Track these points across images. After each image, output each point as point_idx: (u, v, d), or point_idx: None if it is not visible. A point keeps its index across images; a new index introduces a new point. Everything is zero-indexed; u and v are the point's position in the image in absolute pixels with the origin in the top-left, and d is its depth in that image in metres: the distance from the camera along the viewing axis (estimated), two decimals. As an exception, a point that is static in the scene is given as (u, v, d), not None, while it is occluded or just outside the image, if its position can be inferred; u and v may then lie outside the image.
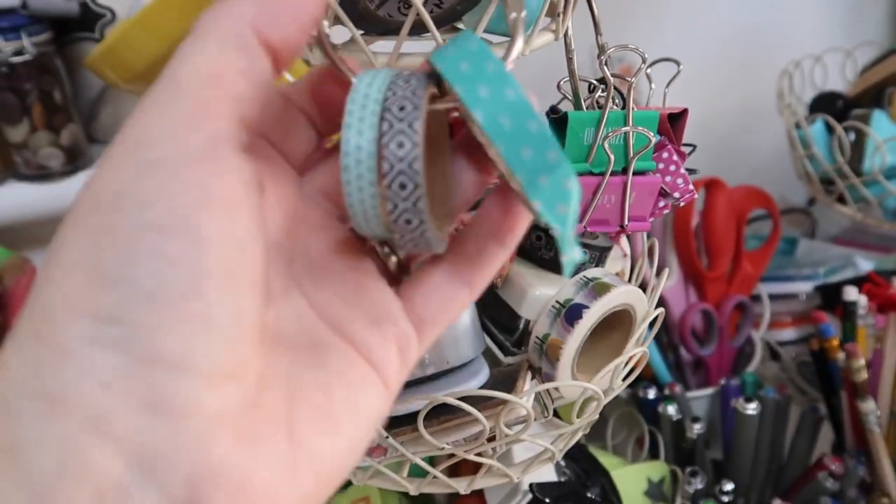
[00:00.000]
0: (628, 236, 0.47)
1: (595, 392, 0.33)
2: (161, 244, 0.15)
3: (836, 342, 0.52)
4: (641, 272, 0.43)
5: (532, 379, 0.36)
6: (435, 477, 0.35)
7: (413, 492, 0.36)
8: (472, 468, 0.47)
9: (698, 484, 0.50)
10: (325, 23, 0.24)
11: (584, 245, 0.39)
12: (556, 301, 0.34)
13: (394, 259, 0.21)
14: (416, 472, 0.37)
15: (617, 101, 0.38)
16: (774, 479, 0.56)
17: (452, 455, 0.35)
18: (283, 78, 0.55)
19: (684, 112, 0.39)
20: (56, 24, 0.53)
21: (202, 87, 0.16)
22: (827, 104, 0.66)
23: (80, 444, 0.14)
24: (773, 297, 0.73)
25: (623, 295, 0.35)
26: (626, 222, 0.34)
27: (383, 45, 0.31)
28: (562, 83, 0.36)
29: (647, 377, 0.62)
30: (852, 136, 0.60)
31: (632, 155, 0.32)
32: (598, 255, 0.40)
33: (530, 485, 0.42)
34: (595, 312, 0.34)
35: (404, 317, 0.20)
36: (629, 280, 0.45)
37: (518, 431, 0.33)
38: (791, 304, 0.73)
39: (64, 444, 0.14)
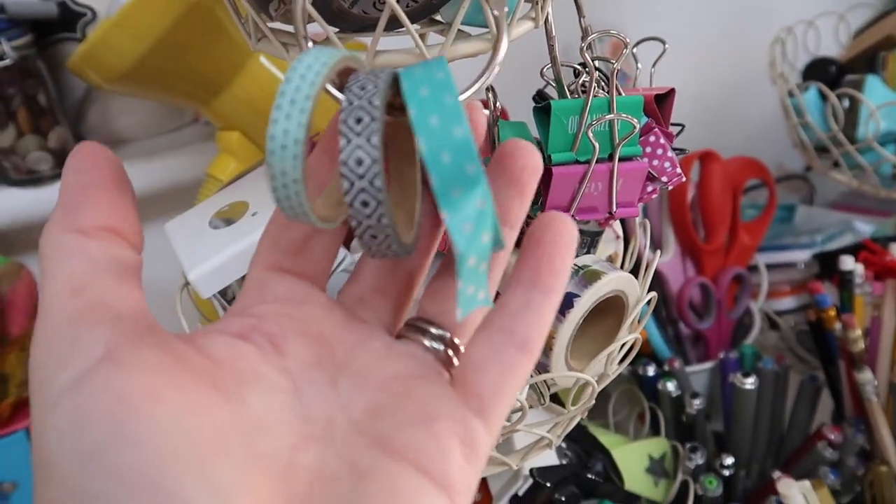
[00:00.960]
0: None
1: (588, 381, 0.33)
2: (96, 465, 0.14)
3: (832, 312, 0.52)
4: (635, 254, 0.43)
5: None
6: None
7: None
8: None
9: (699, 459, 0.50)
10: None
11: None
12: (548, 291, 0.35)
13: (440, 346, 0.20)
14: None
15: (603, 85, 0.38)
16: (776, 450, 0.57)
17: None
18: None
19: (671, 92, 0.38)
20: (36, 27, 0.53)
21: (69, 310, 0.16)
22: (820, 71, 0.65)
23: None
24: (772, 267, 0.73)
25: (614, 282, 0.35)
26: (615, 209, 0.34)
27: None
28: (545, 70, 0.36)
29: (646, 353, 0.62)
30: (846, 103, 0.59)
31: (617, 142, 0.32)
32: (589, 241, 0.40)
33: (531, 470, 0.43)
34: (586, 301, 0.34)
35: (459, 405, 0.18)
36: (623, 262, 0.45)
37: (514, 422, 0.33)
38: (790, 272, 0.73)
39: None
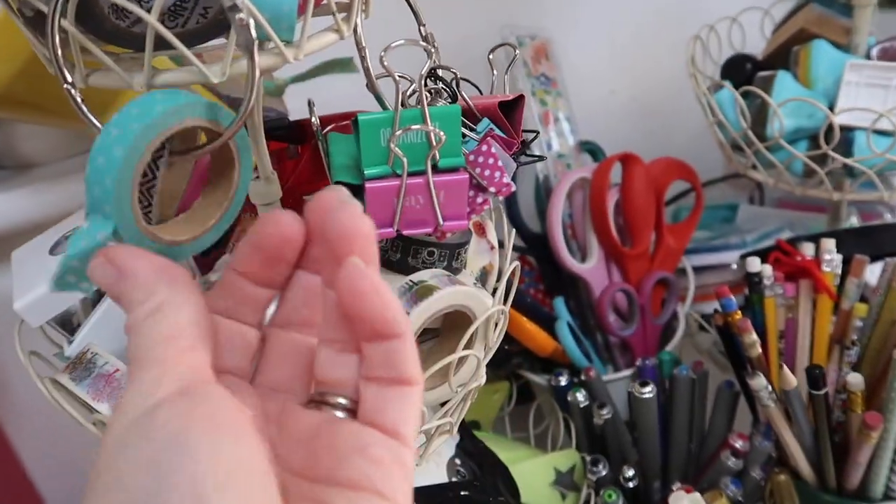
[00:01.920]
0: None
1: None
2: (158, 472, 0.18)
3: (738, 315, 0.51)
4: (507, 265, 0.42)
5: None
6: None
7: None
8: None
9: (602, 471, 0.49)
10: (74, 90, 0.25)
11: (430, 245, 0.38)
12: (381, 309, 0.33)
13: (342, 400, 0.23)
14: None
15: (446, 95, 0.37)
16: (695, 459, 0.55)
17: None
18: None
19: (519, 99, 0.37)
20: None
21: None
22: (737, 68, 0.64)
23: None
24: (704, 269, 0.71)
25: (448, 297, 0.33)
26: (442, 222, 0.33)
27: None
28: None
29: (564, 363, 0.61)
30: (759, 100, 0.58)
31: (429, 154, 0.31)
32: (448, 253, 0.39)
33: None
34: (417, 317, 0.32)
35: (378, 433, 0.21)
36: (499, 273, 0.44)
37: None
38: (723, 274, 0.71)
39: None
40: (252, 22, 0.25)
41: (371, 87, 0.32)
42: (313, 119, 0.33)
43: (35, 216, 0.60)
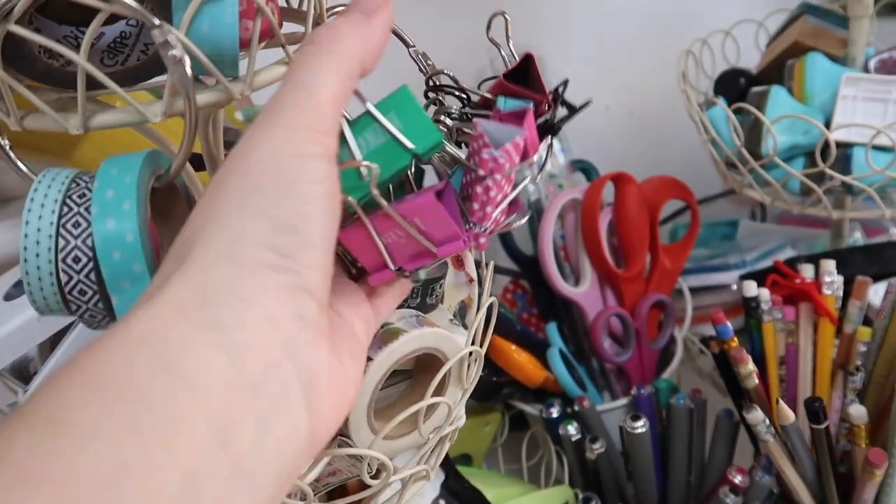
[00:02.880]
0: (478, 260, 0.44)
1: (380, 460, 0.30)
2: (328, 216, 0.21)
3: (734, 343, 0.48)
4: (485, 299, 0.40)
5: (334, 438, 0.33)
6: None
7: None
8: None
9: (594, 510, 0.47)
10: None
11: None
12: (345, 354, 0.32)
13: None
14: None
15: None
16: (696, 492, 0.53)
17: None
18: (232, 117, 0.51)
19: (527, 58, 0.33)
20: None
21: (333, 109, 0.22)
22: (730, 83, 0.62)
23: (264, 328, 0.19)
24: (703, 290, 0.69)
25: (417, 340, 0.31)
26: (436, 250, 0.30)
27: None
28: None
29: (557, 392, 0.58)
30: (753, 117, 0.55)
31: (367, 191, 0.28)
32: (419, 290, 0.37)
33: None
34: (380, 364, 0.30)
35: (367, 301, 0.27)
36: (478, 307, 0.42)
37: None
38: (722, 295, 0.69)
39: (254, 326, 0.19)
40: (187, 59, 0.23)
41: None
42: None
43: (13, 250, 0.59)
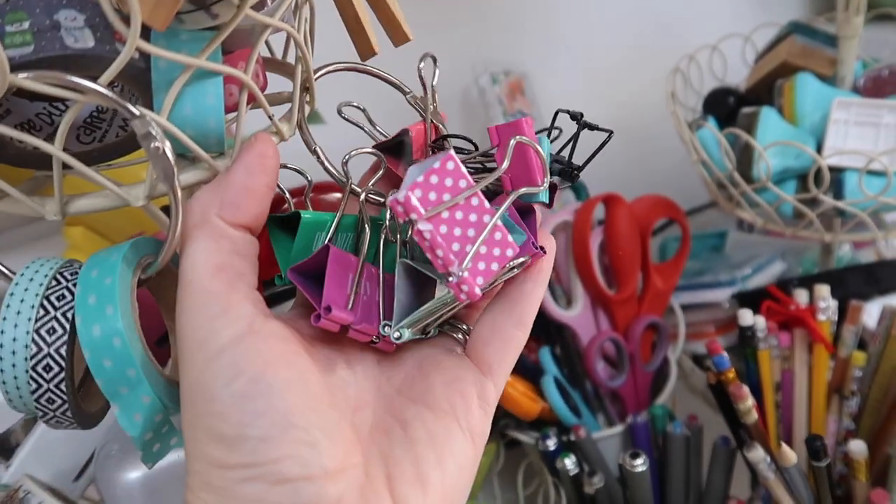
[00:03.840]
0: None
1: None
2: (251, 405, 0.20)
3: (731, 374, 0.48)
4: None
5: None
6: None
7: None
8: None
9: (595, 548, 0.46)
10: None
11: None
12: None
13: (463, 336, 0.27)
14: None
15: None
16: (693, 520, 0.53)
17: None
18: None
19: (403, 132, 0.31)
20: None
21: (217, 283, 0.22)
22: (719, 102, 0.61)
23: None
24: (694, 306, 0.69)
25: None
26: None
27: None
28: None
29: (552, 421, 0.58)
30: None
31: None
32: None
33: None
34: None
35: (474, 369, 0.25)
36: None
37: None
38: (714, 311, 0.68)
39: None
40: (170, 151, 0.22)
41: (335, 179, 0.29)
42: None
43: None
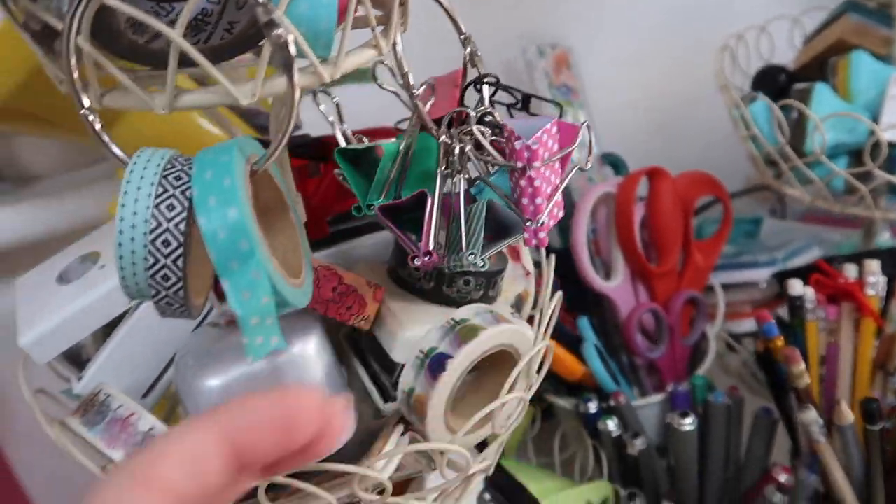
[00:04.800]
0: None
1: (462, 455, 0.30)
2: None
3: (780, 342, 0.48)
4: (548, 292, 0.39)
5: (405, 433, 0.32)
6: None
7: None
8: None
9: (638, 507, 0.46)
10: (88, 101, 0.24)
11: (467, 274, 0.35)
12: (420, 350, 0.31)
13: None
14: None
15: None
16: (732, 490, 0.53)
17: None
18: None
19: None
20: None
21: None
22: (770, 79, 0.61)
23: None
24: (731, 286, 0.69)
25: (496, 337, 0.31)
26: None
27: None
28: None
29: (591, 387, 0.58)
30: (796, 113, 0.55)
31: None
32: (484, 282, 0.36)
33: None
34: (460, 363, 0.30)
35: None
36: (535, 300, 0.41)
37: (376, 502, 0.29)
38: (751, 291, 0.68)
39: None
40: (292, 39, 0.22)
41: (413, 104, 0.29)
42: (339, 133, 0.30)
43: (37, 232, 0.57)
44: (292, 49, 0.22)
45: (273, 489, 0.28)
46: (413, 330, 0.34)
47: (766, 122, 0.56)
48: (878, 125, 0.52)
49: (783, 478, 0.46)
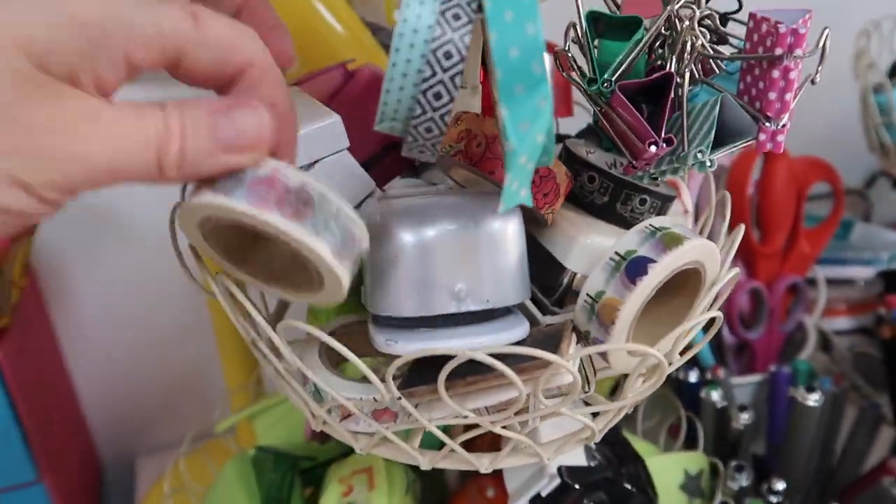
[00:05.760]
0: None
1: (659, 360, 0.27)
2: None
3: (911, 331, 0.46)
4: (707, 229, 0.37)
5: (577, 344, 0.30)
6: (452, 450, 0.29)
7: (425, 466, 0.31)
8: (489, 444, 0.42)
9: (743, 481, 0.44)
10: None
11: (645, 191, 0.33)
12: (616, 252, 0.28)
13: None
14: (430, 443, 0.31)
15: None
16: (824, 480, 0.50)
17: (470, 427, 0.29)
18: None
19: None
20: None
21: None
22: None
23: None
24: (829, 282, 0.66)
25: (697, 250, 0.29)
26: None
27: None
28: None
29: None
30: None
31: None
32: (658, 205, 0.34)
33: (559, 468, 0.37)
34: (664, 268, 0.27)
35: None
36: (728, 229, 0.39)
37: (557, 403, 0.27)
38: (846, 290, 0.66)
39: None
40: None
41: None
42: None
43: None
44: None
45: (450, 378, 0.25)
46: (593, 237, 0.31)
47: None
48: None
49: (901, 470, 0.44)
